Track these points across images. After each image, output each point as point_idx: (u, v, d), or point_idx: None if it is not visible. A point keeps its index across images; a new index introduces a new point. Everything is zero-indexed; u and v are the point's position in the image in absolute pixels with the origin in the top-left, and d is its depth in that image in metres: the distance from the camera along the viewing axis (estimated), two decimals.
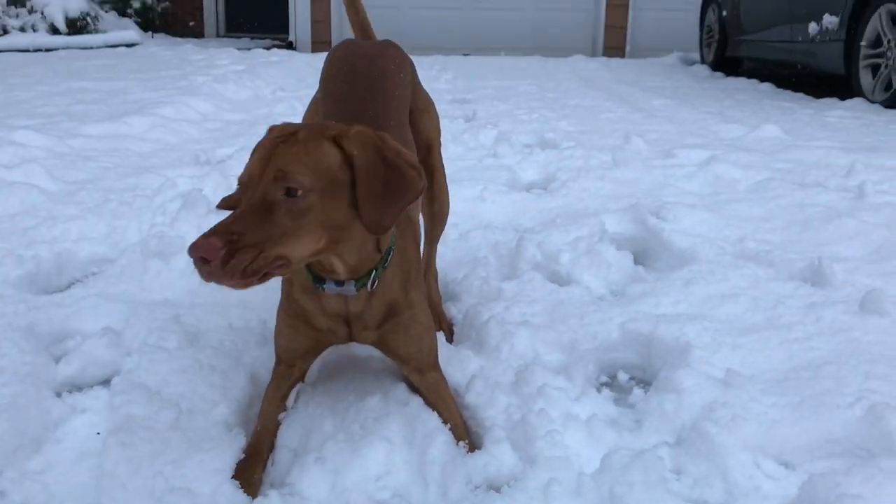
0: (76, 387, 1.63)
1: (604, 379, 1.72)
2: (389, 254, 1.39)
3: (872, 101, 5.35)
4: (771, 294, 1.99)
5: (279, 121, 1.47)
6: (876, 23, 5.27)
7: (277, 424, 1.47)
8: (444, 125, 4.43)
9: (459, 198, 2.82)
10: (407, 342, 1.48)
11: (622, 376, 1.73)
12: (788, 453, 1.38)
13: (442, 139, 1.94)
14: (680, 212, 2.61)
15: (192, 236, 2.34)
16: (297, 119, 2.30)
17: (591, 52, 10.86)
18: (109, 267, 2.23)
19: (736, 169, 3.26)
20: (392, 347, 1.49)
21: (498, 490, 1.29)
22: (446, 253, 2.31)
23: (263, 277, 1.13)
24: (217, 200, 2.77)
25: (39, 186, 2.83)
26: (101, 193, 2.82)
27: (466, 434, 1.45)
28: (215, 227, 1.10)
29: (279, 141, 1.20)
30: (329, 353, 1.65)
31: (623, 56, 10.70)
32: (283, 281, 1.47)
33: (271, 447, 1.43)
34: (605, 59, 10.23)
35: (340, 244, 1.25)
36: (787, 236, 2.48)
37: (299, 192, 1.14)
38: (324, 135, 1.22)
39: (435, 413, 1.47)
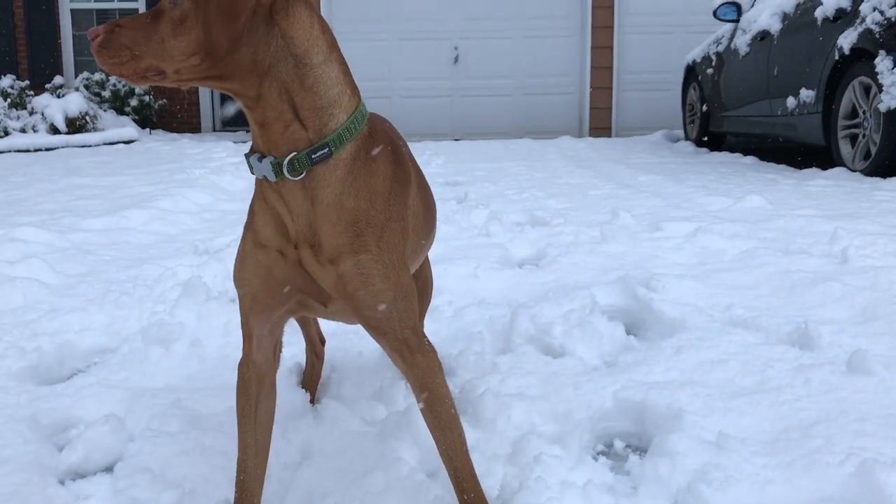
0: (79, 474, 1.64)
1: (600, 448, 1.75)
2: (340, 145, 1.16)
3: (853, 170, 5.49)
4: (760, 358, 2.03)
5: None
6: (851, 95, 5.47)
7: (263, 466, 1.33)
8: (437, 207, 4.54)
9: (453, 276, 2.89)
10: (368, 294, 1.19)
11: (618, 444, 1.76)
12: None
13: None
14: (669, 282, 2.67)
15: (193, 323, 2.42)
16: None
17: (578, 132, 11.16)
18: (111, 356, 2.27)
19: (722, 239, 3.34)
20: (352, 301, 1.20)
21: None
22: (441, 329, 2.36)
23: (144, 80, 1.11)
24: (216, 287, 2.84)
25: (41, 280, 2.89)
26: (101, 285, 2.88)
27: (472, 479, 1.31)
28: (117, 19, 1.13)
29: None
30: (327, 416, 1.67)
31: (609, 135, 10.99)
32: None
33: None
34: (591, 139, 10.50)
35: (226, 77, 1.12)
36: (774, 302, 2.54)
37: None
38: None
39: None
